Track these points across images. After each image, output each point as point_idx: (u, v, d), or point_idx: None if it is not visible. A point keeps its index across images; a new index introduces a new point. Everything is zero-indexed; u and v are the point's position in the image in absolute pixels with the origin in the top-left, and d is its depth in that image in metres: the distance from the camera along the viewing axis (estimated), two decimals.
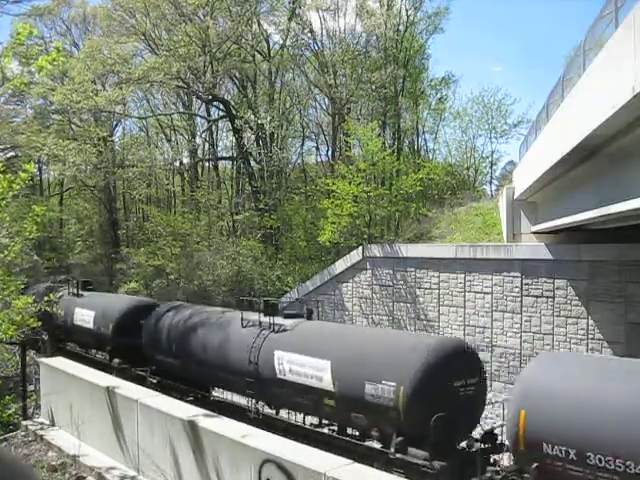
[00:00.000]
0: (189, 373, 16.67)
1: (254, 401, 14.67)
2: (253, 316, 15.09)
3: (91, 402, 10.07)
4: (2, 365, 16.27)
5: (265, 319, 14.63)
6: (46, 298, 13.38)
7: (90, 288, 24.42)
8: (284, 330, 14.04)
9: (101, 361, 20.15)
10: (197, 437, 7.73)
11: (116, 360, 19.42)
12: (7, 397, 12.39)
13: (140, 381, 15.23)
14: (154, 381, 17.49)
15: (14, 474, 1.96)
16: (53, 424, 11.17)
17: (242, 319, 14.97)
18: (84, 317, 21.22)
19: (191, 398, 15.93)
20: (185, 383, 16.90)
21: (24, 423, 11.59)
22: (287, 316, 14.87)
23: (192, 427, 7.84)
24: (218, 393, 17.48)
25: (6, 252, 11.58)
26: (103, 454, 9.61)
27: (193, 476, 7.77)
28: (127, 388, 9.92)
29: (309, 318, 15.03)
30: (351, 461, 6.65)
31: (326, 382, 12.23)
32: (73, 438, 10.07)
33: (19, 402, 12.52)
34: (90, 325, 20.76)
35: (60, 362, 12.15)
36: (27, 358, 13.84)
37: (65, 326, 22.11)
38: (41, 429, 11.07)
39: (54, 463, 9.63)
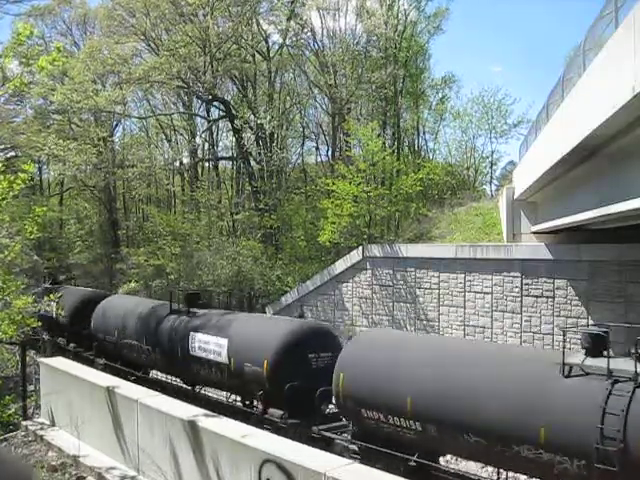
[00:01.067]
0: (431, 441, 10.74)
1: None
2: (572, 357, 9.76)
3: (91, 402, 10.06)
4: (2, 365, 16.27)
5: (617, 365, 9.23)
6: (46, 299, 13.32)
7: (202, 303, 17.94)
8: None
9: (243, 410, 14.98)
10: (197, 437, 7.72)
11: (277, 412, 13.62)
12: (7, 397, 12.40)
13: (323, 444, 11.23)
14: (356, 448, 11.90)
15: (14, 474, 1.97)
16: (53, 424, 11.16)
17: (563, 363, 9.44)
18: (210, 346, 15.40)
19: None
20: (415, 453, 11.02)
21: (24, 423, 11.58)
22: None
23: (192, 427, 7.83)
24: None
25: (6, 252, 11.59)
26: (103, 454, 9.60)
27: (193, 476, 7.76)
28: (127, 388, 9.92)
29: None
30: (351, 461, 6.64)
31: None
32: (73, 438, 10.07)
33: (19, 402, 12.52)
34: (222, 359, 14.94)
35: (60, 362, 12.14)
36: (27, 358, 13.85)
37: (174, 357, 16.54)
38: (41, 429, 11.06)
39: (54, 463, 9.62)
